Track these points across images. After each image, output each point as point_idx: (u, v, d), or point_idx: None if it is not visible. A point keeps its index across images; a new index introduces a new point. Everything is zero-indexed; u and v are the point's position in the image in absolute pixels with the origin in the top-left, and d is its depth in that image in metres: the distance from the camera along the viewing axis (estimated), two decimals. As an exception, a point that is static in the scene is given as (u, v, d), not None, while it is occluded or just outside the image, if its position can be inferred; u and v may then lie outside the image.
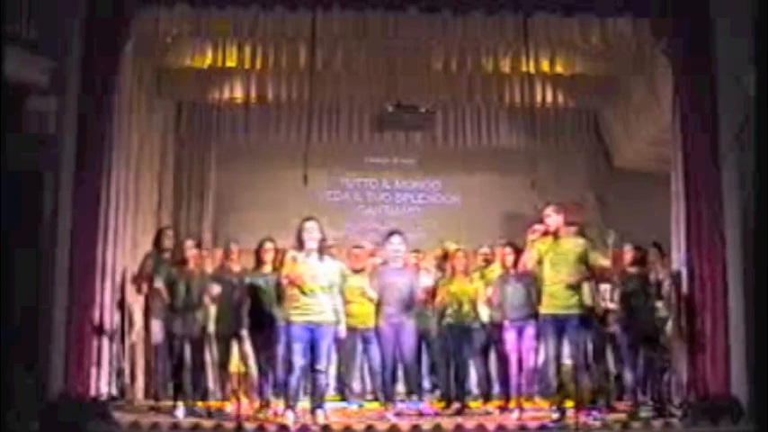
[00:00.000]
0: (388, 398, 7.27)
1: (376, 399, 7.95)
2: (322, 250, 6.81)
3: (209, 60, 9.62)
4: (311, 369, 6.71)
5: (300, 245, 6.77)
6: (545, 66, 9.70)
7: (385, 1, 7.69)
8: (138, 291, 7.98)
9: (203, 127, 10.97)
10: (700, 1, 7.44)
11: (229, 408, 7.33)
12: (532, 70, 9.31)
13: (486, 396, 7.97)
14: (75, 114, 7.08)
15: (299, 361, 6.64)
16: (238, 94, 10.07)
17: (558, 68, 9.79)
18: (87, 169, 7.06)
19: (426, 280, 7.94)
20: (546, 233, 6.86)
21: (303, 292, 6.69)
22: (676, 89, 7.57)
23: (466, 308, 7.70)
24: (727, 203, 7.14)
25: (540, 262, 6.91)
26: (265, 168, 10.94)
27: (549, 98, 10.09)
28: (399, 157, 11.40)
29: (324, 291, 6.73)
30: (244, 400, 7.27)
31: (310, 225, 6.81)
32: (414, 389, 7.53)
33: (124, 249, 8.21)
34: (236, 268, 7.66)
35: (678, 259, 7.51)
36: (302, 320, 6.68)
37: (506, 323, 7.44)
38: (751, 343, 6.81)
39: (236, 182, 10.94)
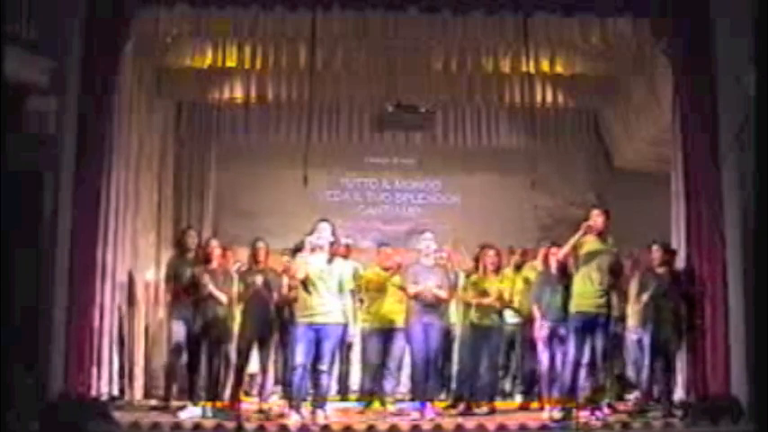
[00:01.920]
0: (424, 396, 7.24)
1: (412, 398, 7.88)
2: (333, 252, 6.82)
3: (209, 60, 9.60)
4: (314, 369, 6.72)
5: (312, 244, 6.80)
6: (545, 66, 9.69)
7: (385, 1, 7.69)
8: (168, 292, 7.96)
9: (203, 127, 10.96)
10: (700, 1, 7.44)
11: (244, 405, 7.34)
12: (532, 70, 9.30)
13: (492, 395, 7.94)
14: (75, 114, 7.08)
15: (300, 360, 6.65)
16: (238, 94, 10.05)
17: (558, 68, 9.78)
18: (87, 169, 7.06)
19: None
20: (590, 230, 6.91)
21: (308, 293, 6.70)
22: (676, 89, 7.58)
23: (491, 308, 7.72)
24: (727, 203, 7.14)
25: (577, 258, 6.94)
26: (265, 168, 10.93)
27: (549, 98, 10.08)
28: (399, 157, 11.38)
29: (331, 291, 6.74)
30: (246, 400, 7.28)
31: (322, 225, 6.82)
32: (437, 389, 7.49)
33: (124, 249, 8.22)
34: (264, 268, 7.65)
35: (678, 259, 7.51)
36: (306, 321, 6.69)
37: (543, 323, 7.42)
38: (751, 343, 6.81)
39: (237, 182, 10.94)
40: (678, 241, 7.54)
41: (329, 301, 6.71)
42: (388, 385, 7.95)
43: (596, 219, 6.96)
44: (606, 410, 7.11)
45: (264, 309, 7.43)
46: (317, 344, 6.68)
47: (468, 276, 8.02)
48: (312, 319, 6.68)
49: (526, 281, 7.99)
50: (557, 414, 6.85)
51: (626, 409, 7.47)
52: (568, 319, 6.99)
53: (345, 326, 6.79)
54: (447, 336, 7.93)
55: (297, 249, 7.22)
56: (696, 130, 7.32)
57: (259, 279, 7.45)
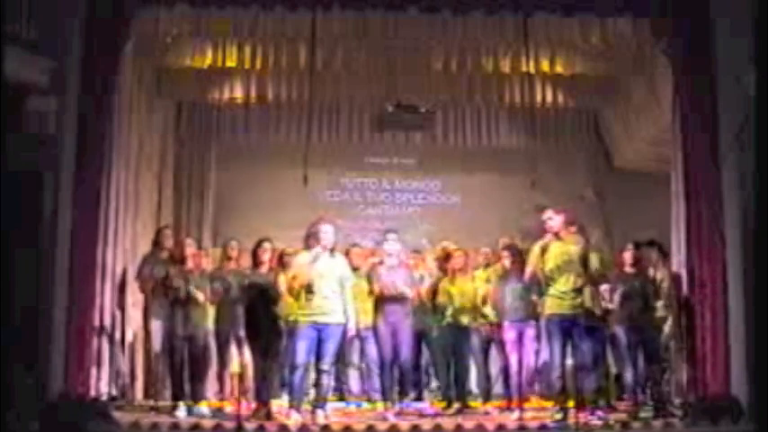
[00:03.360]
0: (386, 398, 7.26)
1: (370, 399, 7.93)
2: (332, 250, 6.83)
3: (209, 60, 9.62)
4: (316, 369, 6.71)
5: (309, 246, 6.80)
6: (545, 66, 9.70)
7: (385, 1, 7.69)
8: (141, 291, 7.95)
9: (203, 127, 10.97)
10: (700, 1, 7.44)
11: (229, 408, 7.33)
12: (532, 70, 9.31)
13: (487, 396, 7.96)
14: (75, 114, 7.08)
15: (302, 359, 6.65)
16: (238, 94, 10.07)
17: (558, 68, 9.79)
18: (87, 169, 7.06)
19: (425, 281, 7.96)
20: (549, 242, 6.87)
21: (312, 293, 6.70)
22: (676, 89, 7.58)
23: (466, 307, 7.72)
24: (727, 203, 7.14)
25: (543, 265, 6.89)
26: (265, 168, 10.93)
27: (549, 98, 10.09)
28: (399, 157, 11.39)
29: (334, 291, 6.74)
30: (244, 401, 7.26)
31: (326, 228, 6.81)
32: (410, 389, 7.48)
33: (124, 249, 8.21)
34: (234, 267, 7.63)
35: (678, 259, 7.51)
36: (309, 321, 6.69)
37: (506, 323, 7.44)
38: (751, 343, 6.80)
39: (236, 182, 10.94)
40: (678, 241, 7.54)
41: (332, 300, 6.72)
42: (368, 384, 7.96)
43: (549, 223, 6.90)
44: (606, 410, 7.10)
45: (235, 305, 7.40)
46: (319, 343, 6.68)
47: (438, 280, 8.01)
48: (315, 318, 6.69)
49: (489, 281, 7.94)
50: (556, 414, 6.85)
51: (626, 408, 7.46)
52: (542, 321, 6.97)
53: (346, 325, 6.80)
54: (422, 337, 7.92)
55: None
56: (696, 130, 7.32)
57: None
